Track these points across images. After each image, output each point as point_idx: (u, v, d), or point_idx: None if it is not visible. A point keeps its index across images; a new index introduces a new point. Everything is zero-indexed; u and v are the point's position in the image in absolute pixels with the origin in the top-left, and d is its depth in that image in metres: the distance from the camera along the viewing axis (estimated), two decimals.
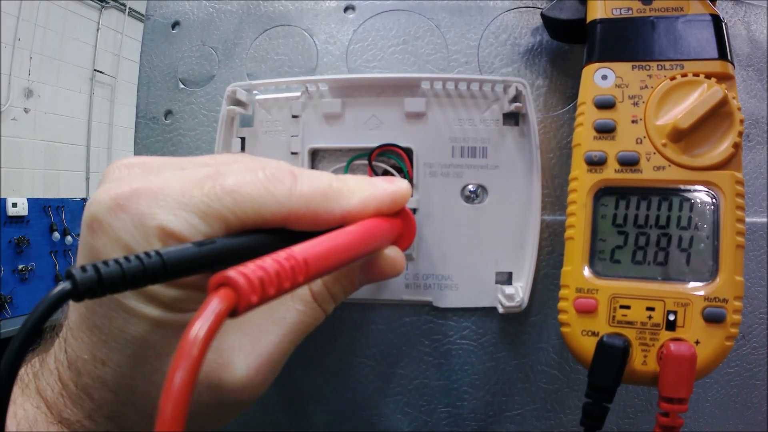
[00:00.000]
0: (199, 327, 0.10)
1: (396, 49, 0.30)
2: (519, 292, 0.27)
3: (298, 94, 0.29)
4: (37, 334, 0.12)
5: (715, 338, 0.20)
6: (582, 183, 0.22)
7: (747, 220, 0.31)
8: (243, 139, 0.30)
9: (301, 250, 0.13)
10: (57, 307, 0.12)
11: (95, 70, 2.10)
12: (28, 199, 1.60)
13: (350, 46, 0.31)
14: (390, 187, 0.19)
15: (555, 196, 0.29)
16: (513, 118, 0.28)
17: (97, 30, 2.11)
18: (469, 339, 0.29)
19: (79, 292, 0.12)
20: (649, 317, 0.21)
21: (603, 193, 0.22)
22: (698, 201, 0.22)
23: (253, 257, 0.16)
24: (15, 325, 1.45)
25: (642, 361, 0.21)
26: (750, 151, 0.32)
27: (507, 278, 0.28)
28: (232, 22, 0.33)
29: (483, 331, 0.29)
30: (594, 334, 0.21)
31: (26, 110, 1.83)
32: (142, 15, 0.74)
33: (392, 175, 0.28)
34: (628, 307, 0.21)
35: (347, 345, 0.29)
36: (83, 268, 0.12)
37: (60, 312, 0.18)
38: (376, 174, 0.28)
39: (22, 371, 0.17)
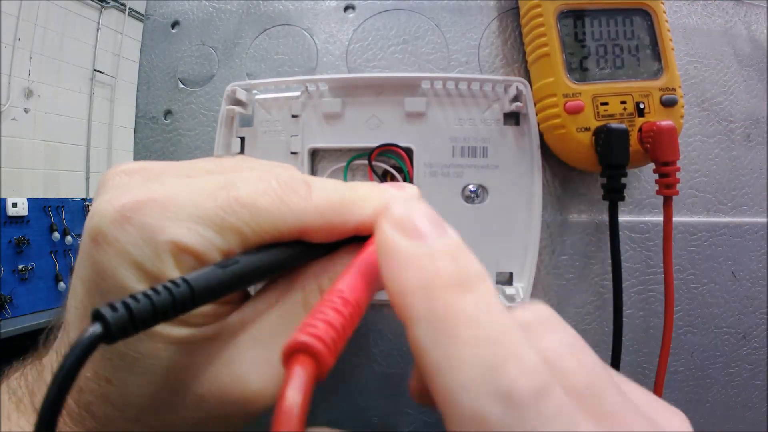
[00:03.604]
0: (291, 399, 0.10)
1: (396, 49, 0.30)
2: (520, 292, 0.27)
3: (297, 93, 0.29)
4: (70, 385, 0.11)
5: (673, 117, 0.26)
6: (546, 8, 0.26)
7: (747, 219, 0.31)
8: (242, 139, 0.29)
9: (349, 291, 0.12)
10: (88, 354, 0.11)
11: (95, 70, 2.10)
12: (28, 199, 1.60)
13: (350, 46, 0.31)
14: (400, 194, 0.19)
15: (556, 196, 0.29)
16: (513, 117, 0.28)
17: (97, 30, 2.10)
18: None
19: (112, 335, 0.11)
20: (624, 109, 0.26)
21: (563, 15, 0.26)
22: (637, 18, 0.27)
23: (274, 273, 0.15)
24: (15, 325, 1.44)
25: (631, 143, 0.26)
26: (750, 151, 0.32)
27: (508, 278, 0.28)
28: (232, 22, 0.33)
29: None
30: (587, 129, 0.26)
31: (26, 110, 1.83)
32: (142, 15, 0.74)
33: (392, 174, 0.28)
34: (606, 104, 0.26)
35: (348, 346, 0.29)
36: (112, 307, 0.11)
37: (57, 315, 0.17)
38: (376, 174, 0.28)
39: (14, 384, 0.16)
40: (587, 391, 0.12)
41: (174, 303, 0.12)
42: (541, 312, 0.13)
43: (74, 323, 0.15)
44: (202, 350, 0.15)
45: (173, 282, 0.12)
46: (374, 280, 0.13)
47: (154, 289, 0.12)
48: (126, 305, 0.11)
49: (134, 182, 0.16)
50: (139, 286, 0.13)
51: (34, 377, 0.16)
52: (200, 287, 0.12)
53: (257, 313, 0.16)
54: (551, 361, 0.12)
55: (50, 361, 0.16)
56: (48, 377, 0.16)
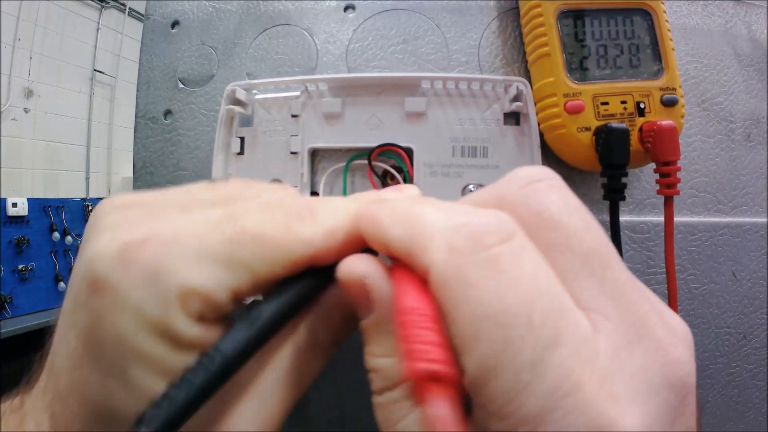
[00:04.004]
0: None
1: (396, 49, 0.30)
2: None
3: (297, 93, 0.29)
4: None
5: (674, 117, 0.26)
6: (546, 8, 0.26)
7: (747, 219, 0.31)
8: (242, 139, 0.29)
9: (422, 306, 0.12)
10: None
11: (95, 70, 2.10)
12: (28, 199, 1.60)
13: (350, 46, 0.31)
14: (401, 196, 0.18)
15: None
16: (514, 117, 0.28)
17: (97, 30, 2.10)
18: None
19: None
20: (625, 108, 0.26)
21: (563, 15, 0.26)
22: (637, 18, 0.27)
23: (297, 312, 0.14)
24: (15, 325, 1.44)
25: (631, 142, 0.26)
26: (750, 151, 0.32)
27: None
28: (232, 22, 0.33)
29: None
30: (587, 129, 0.26)
31: (26, 110, 1.83)
32: (142, 15, 0.74)
33: (392, 174, 0.28)
34: (607, 104, 0.26)
35: (348, 346, 0.29)
36: (155, 405, 0.11)
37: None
38: (376, 174, 0.28)
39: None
40: (594, 253, 0.11)
41: (214, 381, 0.12)
42: (549, 173, 0.13)
43: (67, 371, 0.14)
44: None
45: (208, 356, 0.12)
46: (423, 287, 0.13)
47: (190, 370, 0.12)
48: (169, 399, 0.11)
49: (132, 218, 0.14)
50: (139, 336, 0.13)
51: (17, 425, 0.15)
52: (235, 356, 0.12)
53: (276, 340, 0.15)
54: (555, 218, 0.12)
55: (37, 416, 0.15)
56: (30, 426, 0.14)
